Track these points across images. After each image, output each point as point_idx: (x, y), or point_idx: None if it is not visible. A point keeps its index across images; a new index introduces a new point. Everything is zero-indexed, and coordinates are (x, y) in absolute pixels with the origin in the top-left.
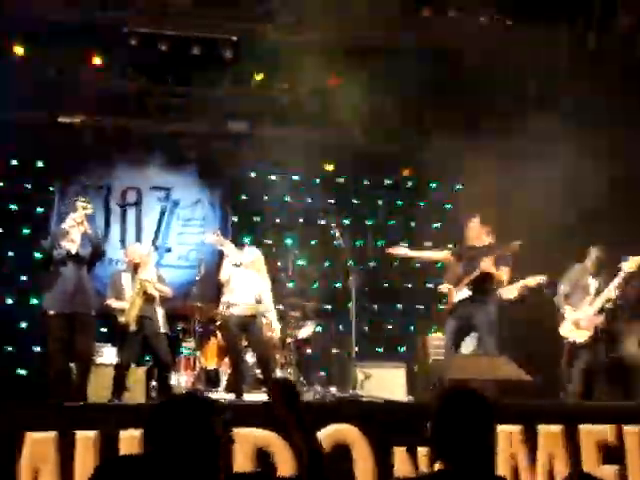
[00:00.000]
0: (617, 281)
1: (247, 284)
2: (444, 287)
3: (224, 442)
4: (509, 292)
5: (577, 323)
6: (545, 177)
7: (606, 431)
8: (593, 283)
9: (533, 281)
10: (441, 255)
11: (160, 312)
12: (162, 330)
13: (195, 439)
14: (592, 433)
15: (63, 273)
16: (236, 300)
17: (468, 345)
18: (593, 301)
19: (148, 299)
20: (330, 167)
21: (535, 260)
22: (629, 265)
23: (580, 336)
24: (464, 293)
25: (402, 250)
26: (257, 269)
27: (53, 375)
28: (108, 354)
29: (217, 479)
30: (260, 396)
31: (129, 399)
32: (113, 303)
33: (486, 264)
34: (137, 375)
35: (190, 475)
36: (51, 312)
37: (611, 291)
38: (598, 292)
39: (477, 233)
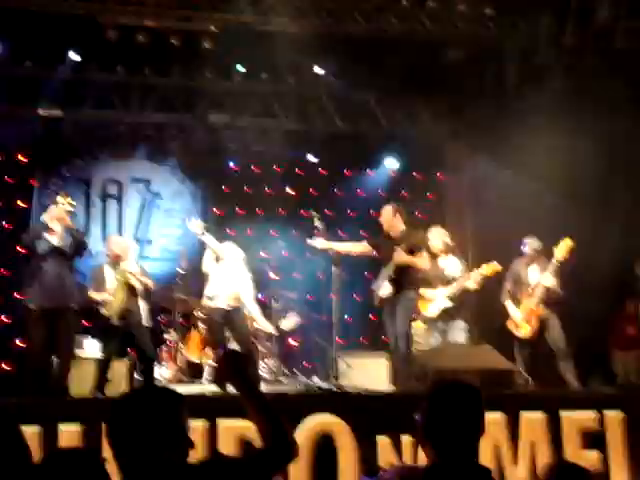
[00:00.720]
0: (552, 268)
1: (228, 276)
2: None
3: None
4: (469, 283)
5: (519, 318)
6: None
7: (588, 417)
8: (531, 274)
9: (489, 269)
10: (360, 247)
11: (143, 305)
12: (145, 323)
13: (161, 430)
14: (574, 419)
15: (44, 267)
16: (218, 292)
17: (457, 334)
18: (532, 293)
19: (131, 292)
20: (312, 158)
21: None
22: (560, 250)
23: (523, 330)
24: (386, 289)
25: (322, 243)
26: (236, 267)
27: (33, 369)
28: (90, 347)
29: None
30: None
31: (112, 392)
32: (95, 295)
33: (398, 256)
34: (120, 368)
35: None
36: (32, 306)
37: (547, 279)
38: (536, 283)
39: (390, 222)
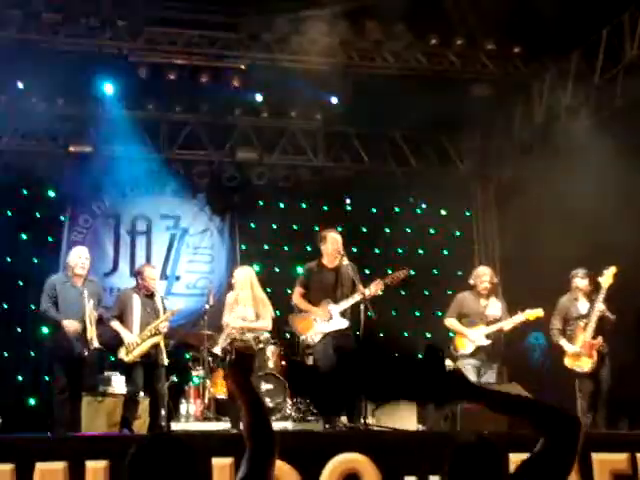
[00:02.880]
0: (601, 297)
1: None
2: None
3: None
4: (508, 324)
5: (577, 354)
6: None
7: (619, 459)
8: (581, 307)
9: (533, 314)
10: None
11: (162, 345)
12: (164, 362)
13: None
14: (605, 462)
15: None
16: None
17: (489, 374)
18: (586, 326)
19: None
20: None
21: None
22: (606, 279)
23: (584, 365)
24: (338, 323)
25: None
26: (249, 288)
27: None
28: (117, 383)
29: None
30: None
31: (137, 428)
32: (117, 327)
33: (376, 286)
34: (144, 405)
35: None
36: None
37: (598, 310)
38: (588, 316)
39: (337, 251)
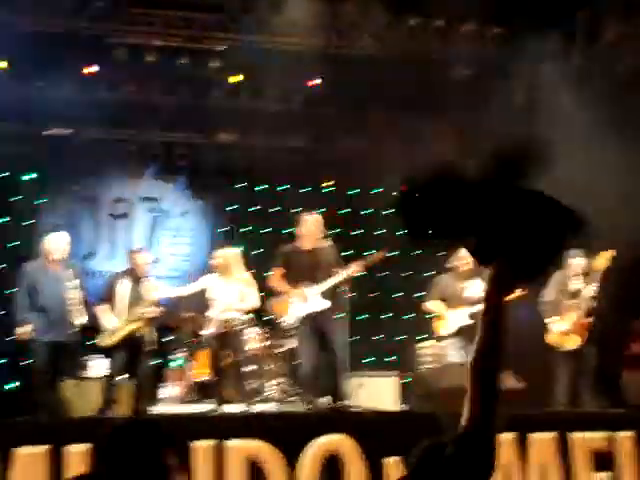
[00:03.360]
0: (593, 279)
1: (227, 294)
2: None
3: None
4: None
5: (566, 332)
6: None
7: (598, 438)
8: (575, 287)
9: (514, 295)
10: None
11: (153, 330)
12: (150, 347)
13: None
14: (584, 441)
15: None
16: (216, 315)
17: (458, 353)
18: (578, 305)
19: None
20: (328, 182)
21: None
22: (600, 262)
23: (571, 343)
24: (317, 304)
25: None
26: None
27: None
28: (98, 367)
29: None
30: (251, 407)
31: (119, 412)
32: (99, 313)
33: (355, 267)
34: (127, 388)
35: None
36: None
37: (590, 291)
38: (580, 295)
39: (311, 232)
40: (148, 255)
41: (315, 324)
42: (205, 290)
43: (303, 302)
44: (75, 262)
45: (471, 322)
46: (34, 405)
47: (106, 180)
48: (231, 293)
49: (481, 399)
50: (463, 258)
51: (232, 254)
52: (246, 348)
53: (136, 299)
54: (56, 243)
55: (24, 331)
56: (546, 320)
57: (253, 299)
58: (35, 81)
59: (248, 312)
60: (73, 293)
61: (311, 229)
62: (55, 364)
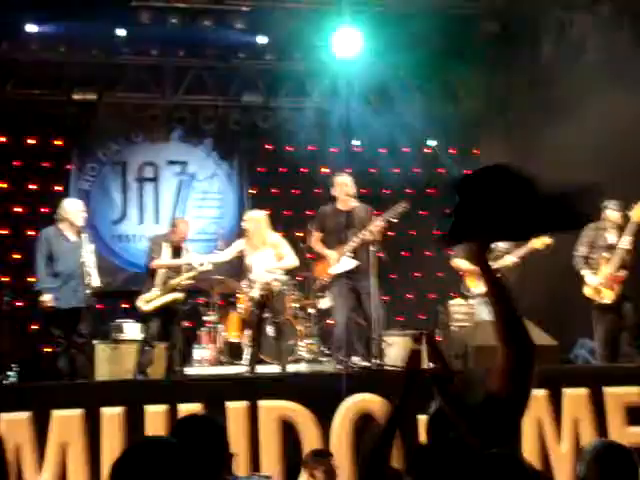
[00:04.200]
0: (629, 231)
1: (262, 257)
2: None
3: None
4: (512, 256)
5: (600, 284)
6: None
7: (632, 393)
8: (610, 240)
9: (538, 242)
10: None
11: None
12: (185, 312)
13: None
14: (617, 395)
15: None
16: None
17: (489, 310)
18: (611, 258)
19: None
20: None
21: None
22: (636, 213)
23: (605, 297)
24: (347, 263)
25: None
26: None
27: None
28: (131, 330)
29: None
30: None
31: (152, 374)
32: (158, 267)
33: (379, 222)
34: (159, 351)
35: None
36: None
37: (625, 243)
38: (615, 248)
39: (344, 192)
40: (189, 224)
41: (348, 283)
42: (238, 255)
43: (337, 262)
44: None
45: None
46: (65, 369)
47: (133, 144)
48: (266, 255)
49: (512, 367)
50: None
51: (260, 216)
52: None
53: (172, 268)
54: (75, 209)
55: (46, 299)
56: (580, 273)
57: (291, 258)
58: (61, 46)
59: (287, 272)
60: (88, 258)
61: (343, 190)
62: (77, 329)
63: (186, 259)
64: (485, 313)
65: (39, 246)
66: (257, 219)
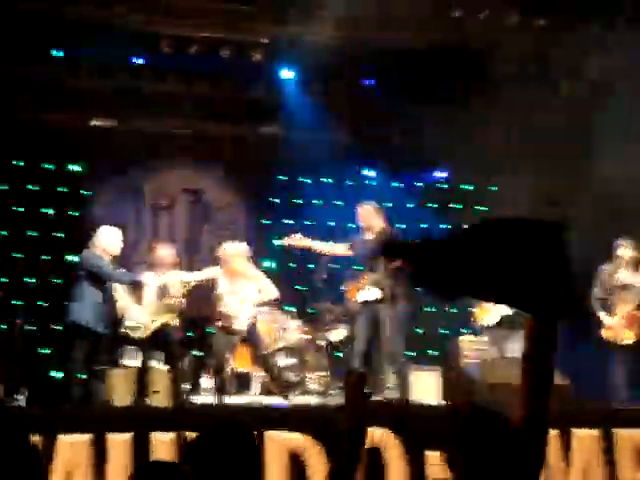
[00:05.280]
0: None
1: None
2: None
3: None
4: None
5: (617, 325)
6: None
7: None
8: (623, 278)
9: None
10: (340, 249)
11: (175, 320)
12: (174, 337)
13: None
14: (628, 438)
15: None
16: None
17: (517, 345)
18: (627, 297)
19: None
20: (367, 171)
21: None
22: None
23: (625, 337)
24: (373, 293)
25: (303, 241)
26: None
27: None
28: (133, 357)
29: None
30: (292, 400)
31: (157, 401)
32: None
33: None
34: (164, 376)
35: None
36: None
37: None
38: (630, 287)
39: (369, 220)
40: (167, 247)
41: (370, 313)
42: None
43: (363, 290)
44: None
45: (511, 312)
46: (77, 394)
47: (150, 171)
48: (249, 289)
49: (534, 398)
50: None
51: (243, 249)
52: (282, 342)
53: (162, 292)
54: (114, 239)
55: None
56: (599, 315)
57: (272, 290)
58: (83, 71)
59: (265, 304)
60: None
61: (366, 219)
62: (97, 354)
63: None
64: (493, 349)
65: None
66: (240, 251)
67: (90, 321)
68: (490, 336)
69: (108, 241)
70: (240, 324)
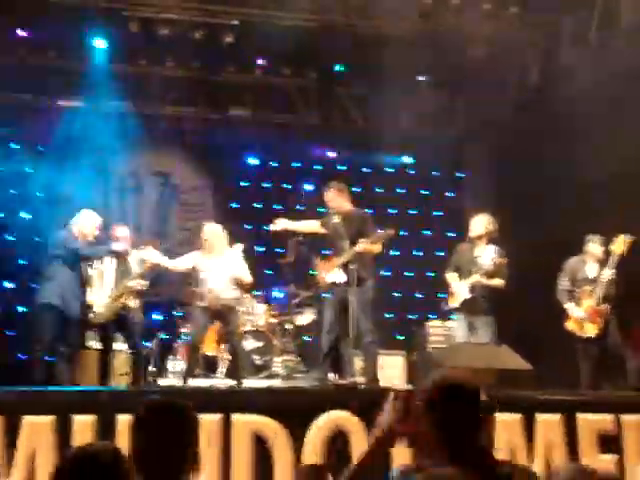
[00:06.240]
0: (611, 264)
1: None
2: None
3: None
4: (484, 278)
5: (582, 318)
6: None
7: (604, 420)
8: (591, 272)
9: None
10: (313, 225)
11: (136, 302)
12: (139, 320)
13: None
14: (590, 422)
15: None
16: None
17: (482, 330)
18: (593, 291)
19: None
20: (332, 154)
21: None
22: (617, 246)
23: (588, 331)
24: (339, 276)
25: (281, 224)
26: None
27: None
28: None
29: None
30: (258, 382)
31: (116, 383)
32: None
33: (362, 244)
34: (125, 359)
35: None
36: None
37: (606, 276)
38: (596, 281)
39: (335, 201)
40: (124, 229)
41: (337, 296)
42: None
43: (331, 272)
44: None
45: (470, 296)
46: (43, 375)
47: (117, 153)
48: (220, 269)
49: None
50: (475, 223)
51: (219, 229)
52: (248, 325)
53: (122, 274)
54: (91, 224)
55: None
56: (564, 306)
57: (245, 273)
58: (49, 52)
59: (242, 286)
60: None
61: (333, 200)
62: (65, 335)
63: (139, 254)
64: (461, 330)
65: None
66: (216, 231)
67: (60, 303)
68: (457, 318)
69: (84, 224)
70: (219, 300)
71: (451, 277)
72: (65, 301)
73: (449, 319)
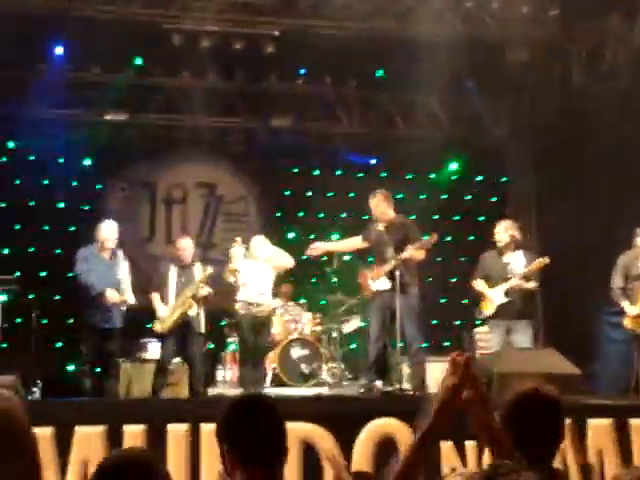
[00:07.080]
0: None
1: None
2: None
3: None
4: (523, 281)
5: (636, 314)
6: None
7: None
8: None
9: (537, 264)
10: (355, 242)
11: (201, 313)
12: (201, 330)
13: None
14: None
15: None
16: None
17: (521, 334)
18: None
19: (195, 302)
20: (373, 161)
21: None
22: None
23: None
24: (384, 283)
25: (319, 249)
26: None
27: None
28: (153, 350)
29: None
30: (305, 390)
31: (173, 394)
32: (154, 301)
33: (408, 252)
34: (182, 370)
35: None
36: None
37: None
38: None
39: (380, 209)
40: (188, 241)
41: (383, 303)
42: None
43: (377, 279)
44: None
45: (506, 300)
46: (92, 387)
47: (162, 165)
48: (259, 275)
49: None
50: (500, 231)
51: (264, 240)
52: (295, 333)
53: (184, 285)
54: (107, 232)
55: (111, 294)
56: (621, 305)
57: (286, 258)
58: (92, 67)
59: (285, 271)
60: (123, 275)
61: (377, 208)
62: (106, 348)
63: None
64: (497, 335)
65: (78, 259)
66: (261, 243)
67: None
68: (492, 325)
69: (105, 236)
70: (263, 308)
71: (481, 284)
72: (104, 314)
73: (484, 323)
